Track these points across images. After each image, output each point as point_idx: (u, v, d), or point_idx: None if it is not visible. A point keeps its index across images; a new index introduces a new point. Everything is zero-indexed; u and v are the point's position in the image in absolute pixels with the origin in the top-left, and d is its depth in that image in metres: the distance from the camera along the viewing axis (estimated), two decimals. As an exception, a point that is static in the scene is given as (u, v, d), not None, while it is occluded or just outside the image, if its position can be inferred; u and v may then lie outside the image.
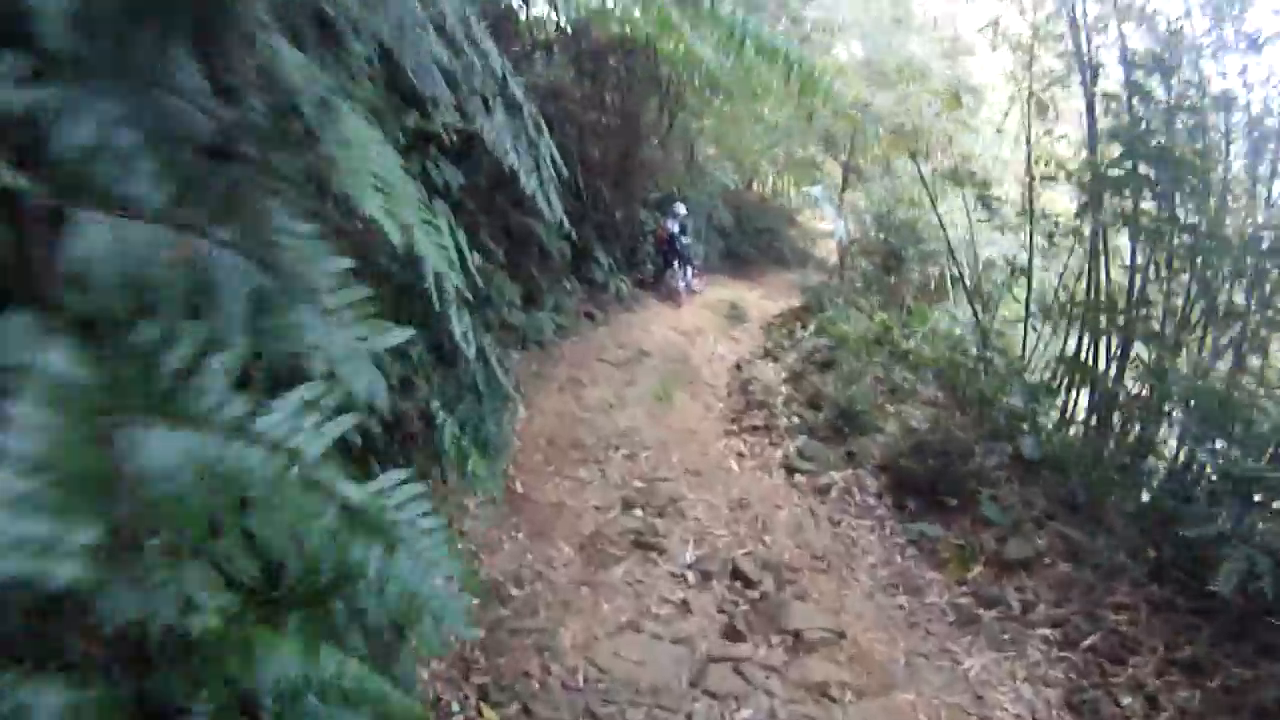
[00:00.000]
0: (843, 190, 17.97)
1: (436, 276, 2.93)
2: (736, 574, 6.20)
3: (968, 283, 16.22)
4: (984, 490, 7.48)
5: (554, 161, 4.62)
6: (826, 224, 25.64)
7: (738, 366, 12.68)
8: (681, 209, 15.83)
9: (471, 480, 4.35)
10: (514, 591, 5.57)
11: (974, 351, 12.54)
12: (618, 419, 9.25)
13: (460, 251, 3.40)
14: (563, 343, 11.66)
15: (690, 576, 6.14)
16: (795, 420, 10.22)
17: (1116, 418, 8.55)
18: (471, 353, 3.95)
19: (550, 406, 9.34)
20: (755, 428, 9.93)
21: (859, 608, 6.04)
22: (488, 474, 4.52)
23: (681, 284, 15.86)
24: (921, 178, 12.18)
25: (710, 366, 12.60)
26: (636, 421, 9.25)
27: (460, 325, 3.75)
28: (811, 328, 13.87)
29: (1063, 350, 9.83)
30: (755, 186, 22.60)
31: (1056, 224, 9.69)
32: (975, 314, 12.70)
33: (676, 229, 15.45)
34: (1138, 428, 8.23)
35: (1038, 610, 6.15)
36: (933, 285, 16.00)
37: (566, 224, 5.38)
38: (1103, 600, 6.09)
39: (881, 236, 15.40)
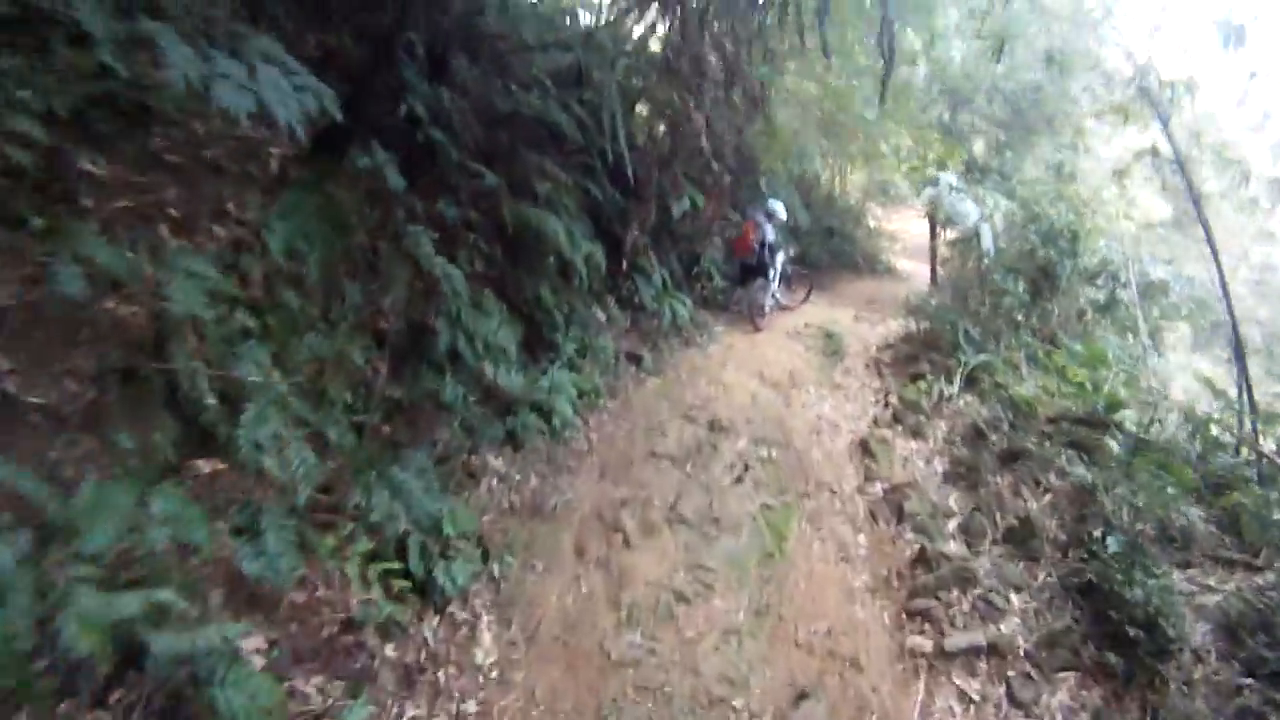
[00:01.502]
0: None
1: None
2: None
3: (1139, 311, 11.34)
4: None
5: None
6: (900, 225, 20.52)
7: (865, 449, 7.77)
8: (779, 208, 11.15)
9: None
10: None
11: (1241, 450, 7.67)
12: (689, 642, 4.66)
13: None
14: (589, 419, 6.80)
15: None
16: (1021, 604, 5.37)
17: None
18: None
19: (552, 615, 4.62)
20: (954, 618, 5.09)
21: None
22: None
23: (769, 302, 11.19)
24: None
25: (824, 449, 7.72)
26: (729, 648, 4.66)
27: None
28: (958, 380, 8.82)
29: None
30: (825, 179, 17.38)
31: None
32: (1243, 379, 7.83)
33: (770, 234, 10.77)
34: None
35: None
36: (1078, 313, 10.86)
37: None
38: None
39: (1031, 248, 10.28)
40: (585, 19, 9.54)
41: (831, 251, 15.98)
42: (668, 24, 7.70)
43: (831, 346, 10.52)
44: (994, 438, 7.79)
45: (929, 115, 13.53)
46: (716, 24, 7.54)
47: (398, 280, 5.33)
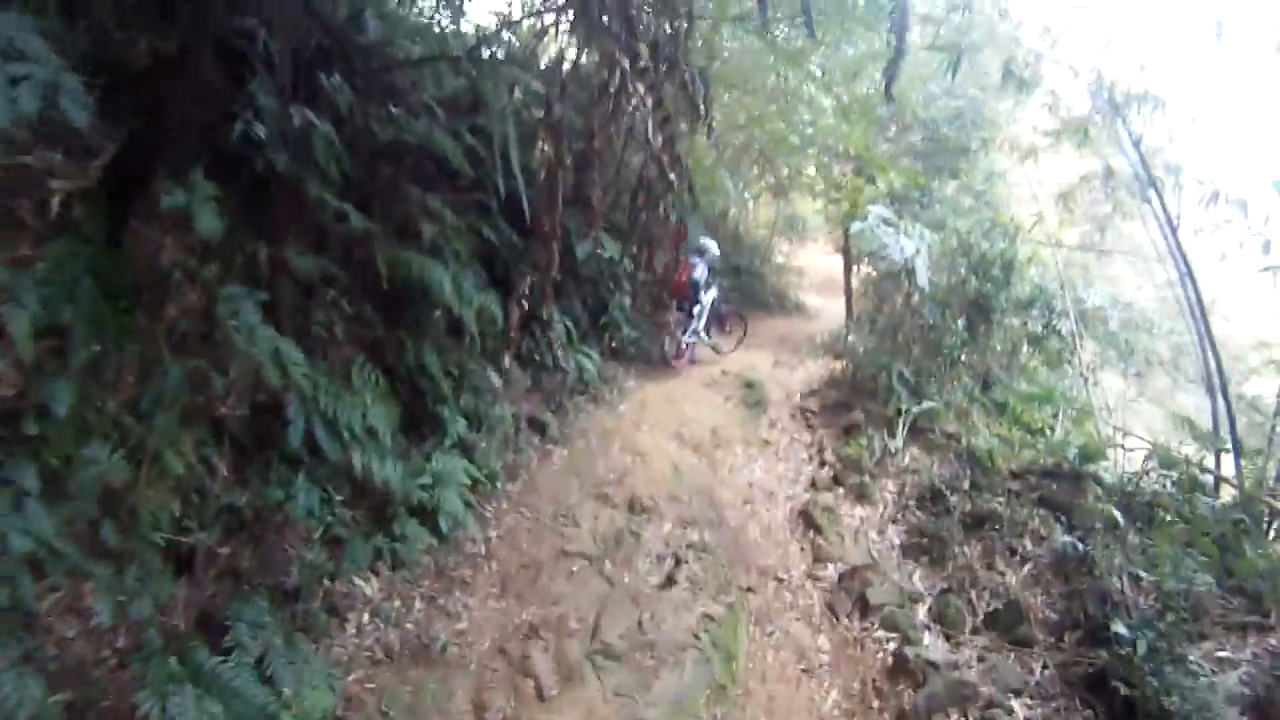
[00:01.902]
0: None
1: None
2: None
3: (1076, 342, 10.72)
4: None
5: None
6: (806, 261, 19.88)
7: (808, 520, 6.82)
8: (712, 245, 10.59)
9: None
10: None
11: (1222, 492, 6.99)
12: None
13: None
14: (486, 510, 5.60)
15: None
16: (1025, 712, 4.51)
17: None
18: None
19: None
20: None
21: None
22: None
23: (686, 343, 10.35)
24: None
25: (761, 523, 6.74)
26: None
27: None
28: (901, 432, 7.92)
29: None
30: (732, 214, 16.49)
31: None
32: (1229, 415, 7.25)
33: (702, 272, 10.28)
34: None
35: None
36: (1011, 348, 10.17)
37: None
38: None
39: (961, 280, 9.52)
40: (479, 34, 8.34)
41: (740, 290, 15.07)
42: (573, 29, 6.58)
43: (753, 396, 9.50)
44: (953, 499, 6.86)
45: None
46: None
47: (238, 353, 4.00)
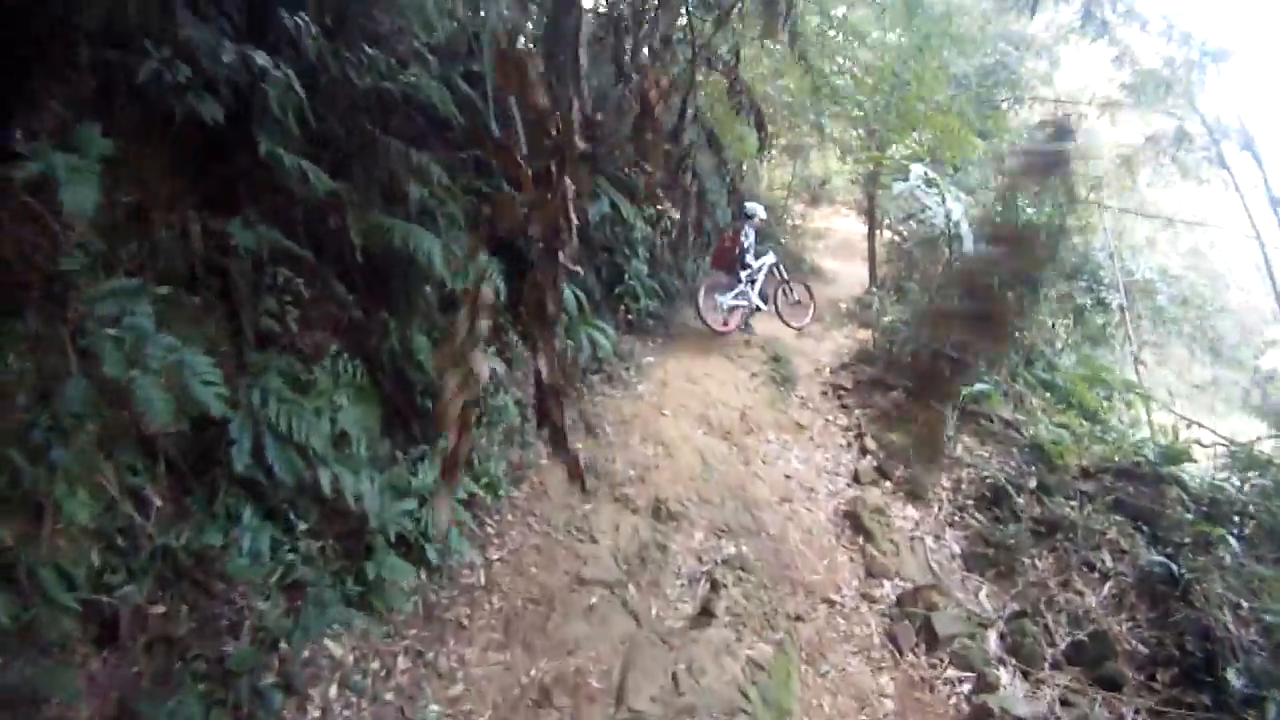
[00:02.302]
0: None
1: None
2: None
3: (1126, 317, 9.69)
4: None
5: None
6: (823, 223, 18.67)
7: (855, 523, 5.91)
8: (759, 209, 9.50)
9: None
10: None
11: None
12: None
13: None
14: (487, 525, 4.77)
15: None
16: None
17: None
18: None
19: None
20: None
21: None
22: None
23: (731, 306, 9.23)
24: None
25: (802, 527, 5.90)
26: None
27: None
28: (951, 419, 6.92)
29: None
30: (749, 172, 15.34)
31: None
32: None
33: (751, 239, 9.27)
34: None
35: None
36: (1052, 322, 9.15)
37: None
38: None
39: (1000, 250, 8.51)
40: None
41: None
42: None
43: (781, 371, 8.53)
44: (1020, 501, 5.92)
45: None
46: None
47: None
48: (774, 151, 14.54)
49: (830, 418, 7.80)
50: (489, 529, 4.58)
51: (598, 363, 7.19)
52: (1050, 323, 8.93)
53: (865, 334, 9.95)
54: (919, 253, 9.33)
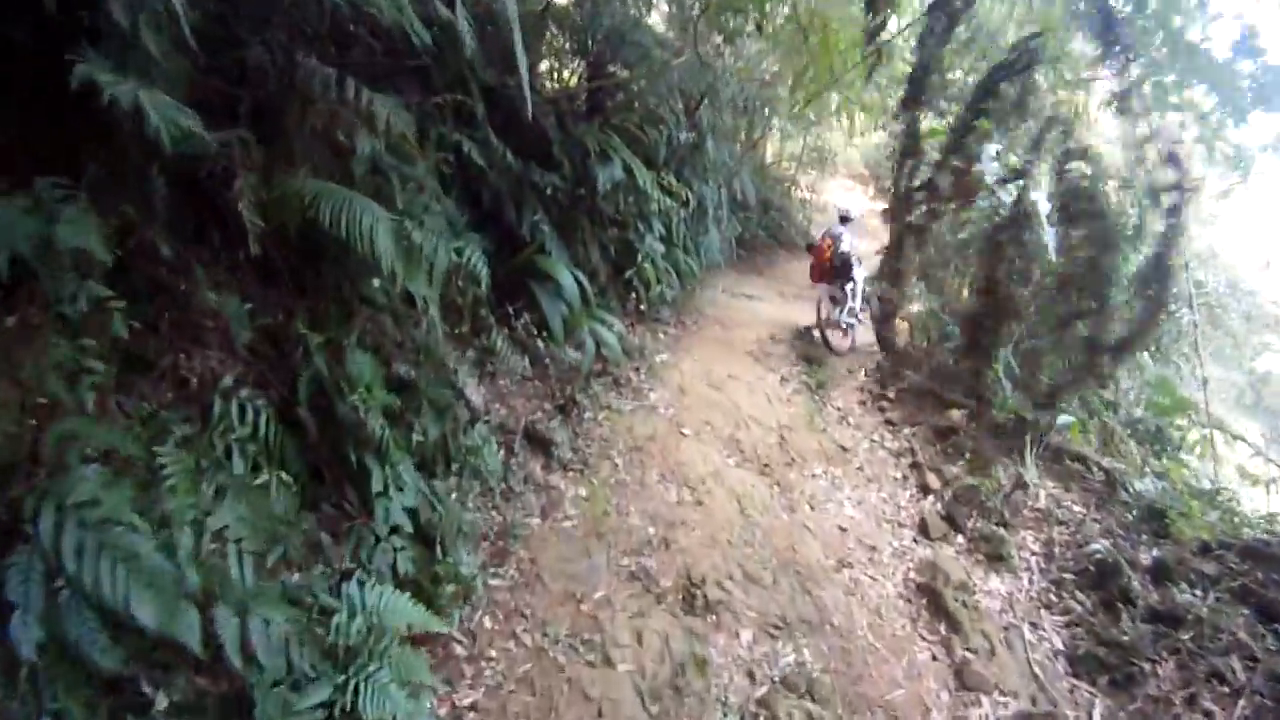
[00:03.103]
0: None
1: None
2: None
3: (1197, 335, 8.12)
4: None
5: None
6: (827, 196, 16.98)
7: (931, 600, 4.59)
8: (853, 210, 8.51)
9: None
10: None
11: None
12: None
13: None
14: (455, 651, 3.03)
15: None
16: None
17: None
18: None
19: None
20: None
21: None
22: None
23: (846, 320, 8.04)
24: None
25: (868, 605, 4.46)
26: None
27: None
28: (1031, 458, 5.43)
29: None
30: (761, 145, 13.61)
31: None
32: None
33: (847, 243, 7.91)
34: None
35: None
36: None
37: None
38: None
39: (1074, 243, 6.94)
40: None
41: (768, 228, 12.39)
42: None
43: (814, 375, 7.01)
44: (1133, 581, 4.45)
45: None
46: None
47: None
48: (787, 123, 12.79)
49: (876, 438, 6.29)
50: (458, 652, 3.02)
51: (603, 362, 5.62)
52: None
53: (902, 326, 8.39)
54: (977, 242, 7.69)
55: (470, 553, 3.42)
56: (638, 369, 5.96)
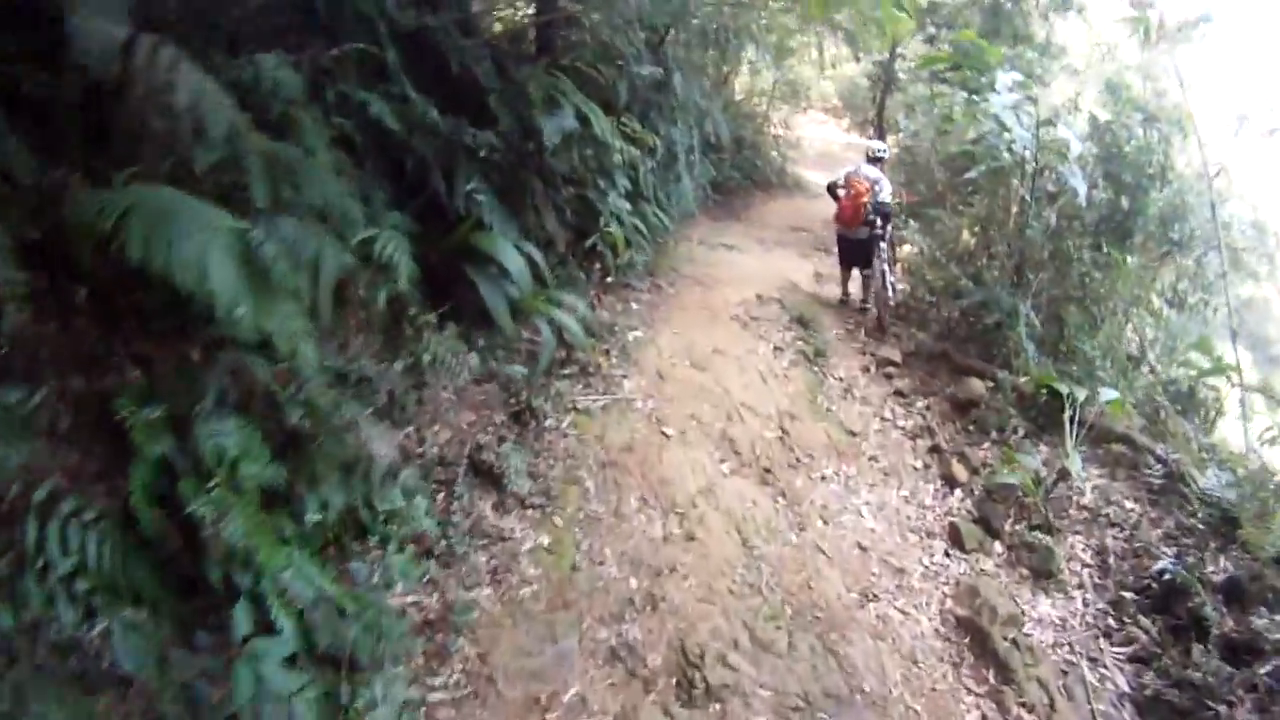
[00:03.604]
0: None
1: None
2: None
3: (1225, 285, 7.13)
4: None
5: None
6: (799, 131, 15.79)
7: (976, 639, 3.81)
8: (884, 148, 7.12)
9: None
10: None
11: None
12: None
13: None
14: None
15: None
16: None
17: None
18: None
19: None
20: None
21: None
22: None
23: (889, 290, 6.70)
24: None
25: (902, 648, 3.65)
26: None
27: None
28: (1072, 439, 4.50)
29: None
30: (730, 80, 12.37)
31: None
32: None
33: (886, 192, 6.55)
34: None
35: None
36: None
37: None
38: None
39: (1094, 169, 5.98)
40: None
41: (741, 168, 11.26)
42: None
43: (811, 341, 6.08)
44: (1207, 606, 3.65)
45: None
46: None
47: None
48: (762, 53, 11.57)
49: (888, 414, 5.42)
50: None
51: (566, 350, 4.67)
52: (1146, 293, 6.45)
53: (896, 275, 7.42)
54: (985, 184, 6.67)
55: (398, 663, 2.52)
56: (608, 351, 5.01)
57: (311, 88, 3.47)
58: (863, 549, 3.99)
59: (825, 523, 4.09)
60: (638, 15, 5.95)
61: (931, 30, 10.70)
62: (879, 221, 6.39)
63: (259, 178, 2.62)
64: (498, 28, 6.00)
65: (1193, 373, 5.68)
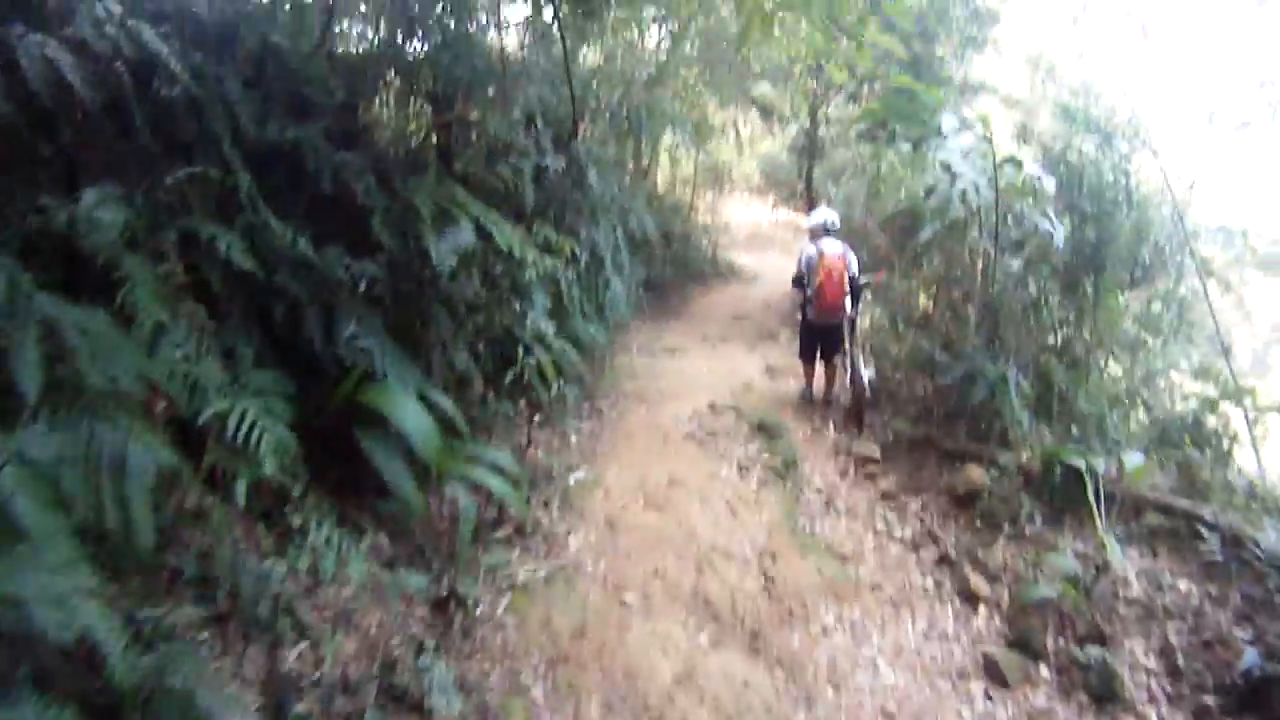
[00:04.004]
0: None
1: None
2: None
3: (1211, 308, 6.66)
4: None
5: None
6: (728, 215, 15.50)
7: None
8: (834, 216, 6.18)
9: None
10: None
11: None
12: None
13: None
14: None
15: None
16: None
17: None
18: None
19: None
20: None
21: None
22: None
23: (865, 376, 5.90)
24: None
25: None
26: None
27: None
28: (1103, 522, 3.77)
29: None
30: (653, 171, 11.97)
31: None
32: None
33: (852, 259, 5.87)
34: None
35: None
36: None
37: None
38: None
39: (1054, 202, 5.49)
40: None
41: (673, 262, 10.61)
42: None
43: (778, 452, 5.31)
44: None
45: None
46: None
47: None
48: (678, 138, 11.14)
49: (880, 526, 4.65)
50: None
51: (497, 510, 3.83)
52: (1119, 325, 5.90)
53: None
54: (939, 240, 6.11)
55: None
56: (547, 503, 4.18)
57: (152, 225, 2.72)
58: (889, 716, 3.13)
59: (837, 689, 3.23)
60: (538, 107, 5.38)
61: (852, 88, 10.44)
62: (848, 302, 5.75)
63: (28, 365, 1.84)
64: (388, 135, 5.33)
65: (1194, 405, 5.12)
